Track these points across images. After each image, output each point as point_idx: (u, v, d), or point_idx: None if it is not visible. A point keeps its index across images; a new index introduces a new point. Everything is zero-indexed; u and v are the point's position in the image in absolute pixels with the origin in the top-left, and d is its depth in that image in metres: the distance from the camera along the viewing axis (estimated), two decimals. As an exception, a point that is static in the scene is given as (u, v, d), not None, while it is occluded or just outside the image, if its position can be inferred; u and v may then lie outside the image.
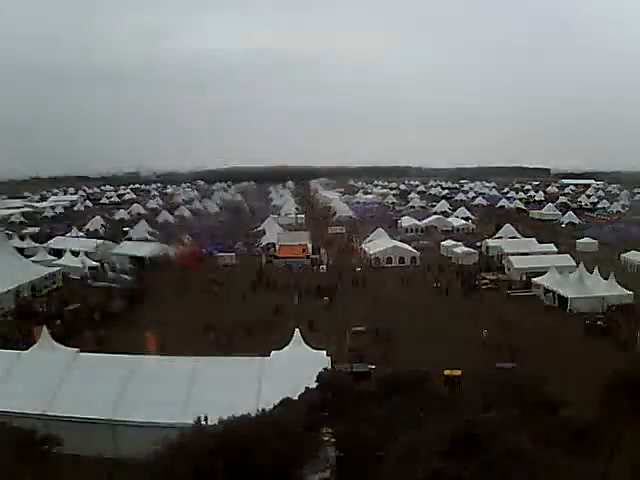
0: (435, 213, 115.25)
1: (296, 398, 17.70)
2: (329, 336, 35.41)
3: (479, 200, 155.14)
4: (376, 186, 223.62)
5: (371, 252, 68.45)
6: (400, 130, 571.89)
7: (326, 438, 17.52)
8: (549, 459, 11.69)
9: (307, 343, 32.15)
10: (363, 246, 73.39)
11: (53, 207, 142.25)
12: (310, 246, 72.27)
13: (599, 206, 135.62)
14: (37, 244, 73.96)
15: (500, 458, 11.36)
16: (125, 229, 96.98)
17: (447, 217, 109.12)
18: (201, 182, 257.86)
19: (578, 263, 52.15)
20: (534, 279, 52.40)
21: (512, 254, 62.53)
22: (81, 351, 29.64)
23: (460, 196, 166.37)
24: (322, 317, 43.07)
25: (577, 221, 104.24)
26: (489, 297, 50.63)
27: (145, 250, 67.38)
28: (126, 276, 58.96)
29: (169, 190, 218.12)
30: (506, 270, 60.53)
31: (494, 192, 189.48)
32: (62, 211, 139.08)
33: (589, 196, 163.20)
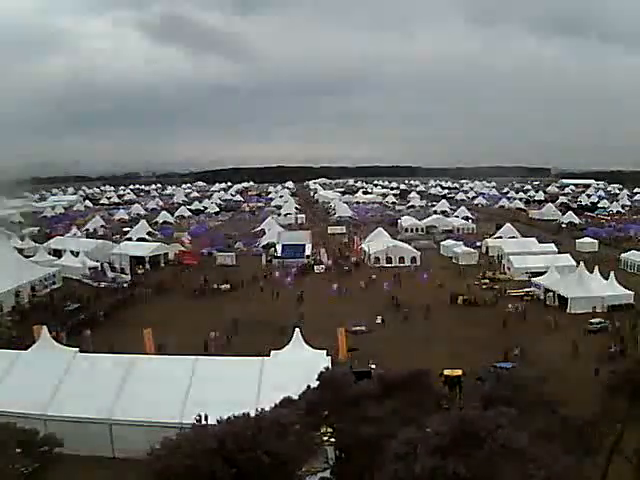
0: (435, 213, 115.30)
1: (296, 398, 17.65)
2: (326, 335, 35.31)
3: (479, 200, 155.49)
4: (376, 186, 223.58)
5: (371, 252, 68.40)
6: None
7: (326, 438, 17.48)
8: (548, 456, 11.68)
9: (307, 342, 32.12)
10: (363, 246, 73.30)
11: (53, 207, 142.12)
12: (310, 245, 72.28)
13: (599, 206, 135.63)
14: (37, 244, 73.89)
15: (498, 455, 11.34)
16: (125, 229, 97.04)
17: (447, 217, 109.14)
18: (201, 183, 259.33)
19: (578, 263, 52.10)
20: (534, 279, 52.38)
21: (512, 254, 62.52)
22: (81, 351, 29.61)
23: (460, 196, 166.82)
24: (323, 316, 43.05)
25: (577, 221, 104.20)
26: (489, 297, 50.46)
27: (145, 250, 67.27)
28: (126, 276, 58.93)
29: (169, 190, 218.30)
30: (506, 270, 60.47)
31: (494, 192, 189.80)
32: (62, 211, 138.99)
33: (589, 196, 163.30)
